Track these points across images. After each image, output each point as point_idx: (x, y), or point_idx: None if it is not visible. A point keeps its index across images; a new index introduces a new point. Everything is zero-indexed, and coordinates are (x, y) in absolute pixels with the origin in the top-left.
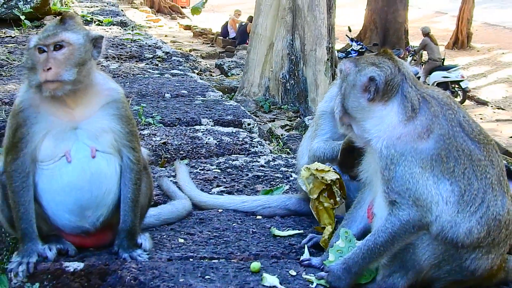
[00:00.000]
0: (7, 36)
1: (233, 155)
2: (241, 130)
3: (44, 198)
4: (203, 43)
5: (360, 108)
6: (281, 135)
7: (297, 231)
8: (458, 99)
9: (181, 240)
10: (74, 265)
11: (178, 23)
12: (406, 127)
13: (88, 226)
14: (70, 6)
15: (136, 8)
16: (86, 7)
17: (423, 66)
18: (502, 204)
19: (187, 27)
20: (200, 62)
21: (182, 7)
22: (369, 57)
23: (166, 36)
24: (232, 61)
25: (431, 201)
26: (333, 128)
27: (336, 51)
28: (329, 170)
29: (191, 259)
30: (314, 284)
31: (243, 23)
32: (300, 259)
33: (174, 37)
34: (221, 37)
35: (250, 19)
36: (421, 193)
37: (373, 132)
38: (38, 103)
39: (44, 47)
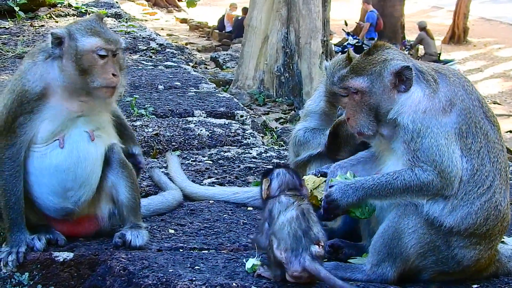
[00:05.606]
0: (1, 28)
1: (225, 147)
2: (234, 121)
3: (29, 180)
4: (199, 36)
5: (392, 103)
6: (275, 128)
7: None
8: None
9: (172, 231)
10: (63, 255)
11: (175, 16)
12: (430, 100)
13: (71, 206)
14: None
15: (132, 1)
16: None
17: (419, 61)
18: (505, 195)
19: (184, 21)
20: (196, 55)
21: (178, 1)
22: (376, 57)
23: (162, 29)
24: (227, 54)
25: (455, 175)
26: (319, 125)
27: (332, 45)
28: (320, 184)
29: (181, 250)
30: None
31: (239, 17)
32: None
33: (170, 30)
34: (217, 31)
35: (245, 10)
36: (447, 166)
37: (398, 111)
38: (51, 93)
39: (109, 52)
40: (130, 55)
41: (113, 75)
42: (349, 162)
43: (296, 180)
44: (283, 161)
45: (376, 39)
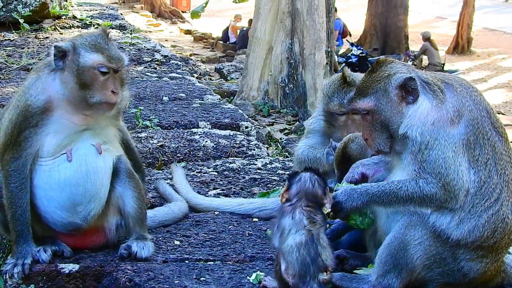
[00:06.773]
0: (6, 39)
1: (230, 158)
2: (239, 133)
3: (37, 194)
4: (204, 47)
5: (402, 116)
6: (280, 138)
7: None
8: None
9: (177, 242)
10: (69, 267)
11: (179, 27)
12: (438, 112)
13: (80, 221)
14: (69, 10)
15: (136, 12)
16: (85, 10)
17: (424, 71)
18: None
19: (188, 32)
20: (200, 66)
21: (182, 12)
22: (380, 74)
23: (166, 40)
24: (231, 65)
25: (460, 188)
26: (320, 142)
27: (336, 56)
28: None
29: (186, 261)
30: None
31: (244, 28)
32: None
33: (174, 41)
34: (222, 42)
35: (251, 22)
36: (452, 179)
37: (407, 124)
38: (54, 106)
39: (110, 70)
40: (134, 67)
41: (113, 92)
42: (371, 160)
43: (317, 190)
44: (288, 172)
45: (342, 46)
